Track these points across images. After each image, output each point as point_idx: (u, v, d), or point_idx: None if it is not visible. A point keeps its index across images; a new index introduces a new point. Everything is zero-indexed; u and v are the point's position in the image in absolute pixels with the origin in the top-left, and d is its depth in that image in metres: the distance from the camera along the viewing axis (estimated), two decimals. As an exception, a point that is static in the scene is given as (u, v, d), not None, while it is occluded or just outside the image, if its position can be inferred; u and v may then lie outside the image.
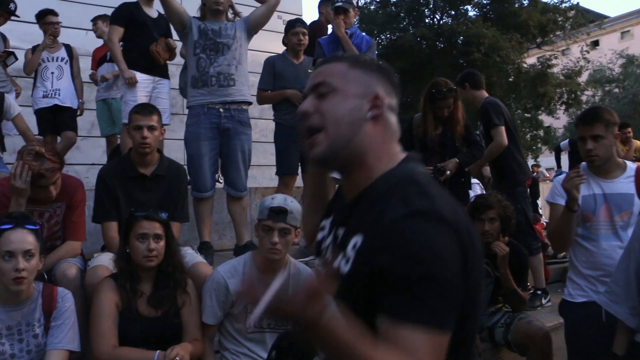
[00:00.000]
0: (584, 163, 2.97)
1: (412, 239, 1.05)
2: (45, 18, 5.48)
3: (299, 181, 4.69)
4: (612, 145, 2.82)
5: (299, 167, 4.58)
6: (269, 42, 4.92)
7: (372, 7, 20.96)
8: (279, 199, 2.72)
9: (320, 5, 5.86)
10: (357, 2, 20.26)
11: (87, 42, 6.10)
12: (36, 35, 5.60)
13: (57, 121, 5.49)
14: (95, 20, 5.92)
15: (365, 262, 1.10)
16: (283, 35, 4.71)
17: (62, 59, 5.59)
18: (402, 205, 1.11)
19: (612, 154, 2.84)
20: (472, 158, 4.31)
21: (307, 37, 4.61)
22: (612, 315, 2.31)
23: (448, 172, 4.10)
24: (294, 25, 4.61)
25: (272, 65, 4.59)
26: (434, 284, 1.03)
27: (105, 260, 3.02)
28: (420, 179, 1.19)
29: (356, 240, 1.15)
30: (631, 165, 2.89)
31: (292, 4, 8.00)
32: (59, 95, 5.47)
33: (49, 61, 5.54)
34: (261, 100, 4.77)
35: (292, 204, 2.72)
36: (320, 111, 1.23)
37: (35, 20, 5.58)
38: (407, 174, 1.20)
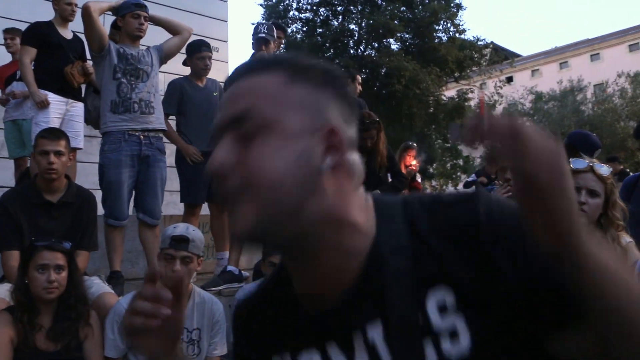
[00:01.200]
0: None
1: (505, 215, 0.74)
2: None
3: (205, 209, 4.63)
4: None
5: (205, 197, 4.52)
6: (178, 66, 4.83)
7: (298, 36, 21.29)
8: (181, 228, 2.74)
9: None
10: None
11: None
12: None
13: None
14: (11, 33, 5.63)
15: (486, 305, 0.71)
16: (185, 57, 4.63)
17: None
18: (455, 214, 0.76)
19: None
20: (394, 189, 4.40)
21: (211, 60, 4.58)
22: None
23: None
24: (199, 48, 4.51)
25: (178, 89, 4.48)
26: None
27: (2, 292, 2.87)
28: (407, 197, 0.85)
29: (439, 298, 0.73)
30: None
31: (218, 30, 8.03)
32: None
33: None
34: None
35: (194, 233, 2.75)
36: (246, 167, 0.73)
37: None
38: (398, 201, 0.83)
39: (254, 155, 0.73)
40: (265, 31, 4.59)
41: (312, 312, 0.81)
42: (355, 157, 0.81)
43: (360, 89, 5.65)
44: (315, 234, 0.76)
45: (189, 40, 4.44)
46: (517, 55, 33.87)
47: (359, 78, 5.70)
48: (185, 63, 4.62)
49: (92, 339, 2.65)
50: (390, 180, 4.45)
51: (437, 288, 0.73)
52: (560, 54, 41.15)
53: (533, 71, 40.95)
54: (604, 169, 2.17)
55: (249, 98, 0.76)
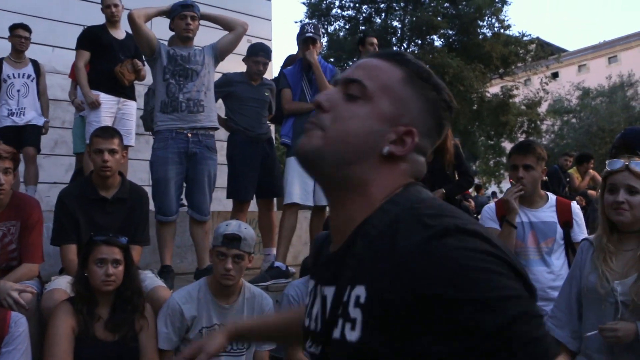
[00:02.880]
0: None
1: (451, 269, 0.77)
2: (14, 31, 5.40)
3: (253, 206, 4.71)
4: (539, 178, 3.06)
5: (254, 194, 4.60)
6: (238, 66, 4.94)
7: (341, 34, 21.28)
8: (233, 226, 2.77)
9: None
10: (327, 29, 20.63)
11: (53, 59, 6.04)
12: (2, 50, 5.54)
13: (20, 138, 5.40)
14: None
15: (383, 318, 0.79)
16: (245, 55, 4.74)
17: (29, 76, 5.46)
18: (420, 229, 0.81)
19: (538, 186, 3.08)
20: (460, 188, 4.53)
21: (266, 66, 4.67)
22: None
23: None
24: (257, 53, 4.63)
25: (228, 83, 4.60)
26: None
27: (62, 284, 2.99)
28: (431, 200, 0.90)
29: (357, 293, 0.84)
30: (552, 197, 3.15)
31: (262, 28, 8.10)
32: (24, 114, 5.35)
33: (14, 77, 5.39)
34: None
35: (246, 231, 2.77)
36: (336, 112, 0.95)
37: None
38: (414, 199, 0.90)
39: (348, 109, 0.94)
40: (312, 30, 4.63)
41: (326, 253, 1.01)
42: (418, 160, 0.96)
43: (373, 48, 5.85)
44: (349, 188, 0.94)
45: (253, 42, 4.53)
46: (564, 50, 33.06)
47: (372, 40, 5.95)
48: (244, 60, 4.70)
49: (147, 331, 2.74)
50: (457, 178, 4.47)
51: (362, 284, 0.83)
52: (609, 48, 39.90)
53: (580, 66, 39.84)
54: None
55: (367, 74, 0.96)
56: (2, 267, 3.03)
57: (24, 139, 5.39)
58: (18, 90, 5.37)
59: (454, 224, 0.79)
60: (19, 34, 5.37)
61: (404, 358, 0.76)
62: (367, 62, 0.99)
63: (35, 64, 5.57)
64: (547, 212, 3.08)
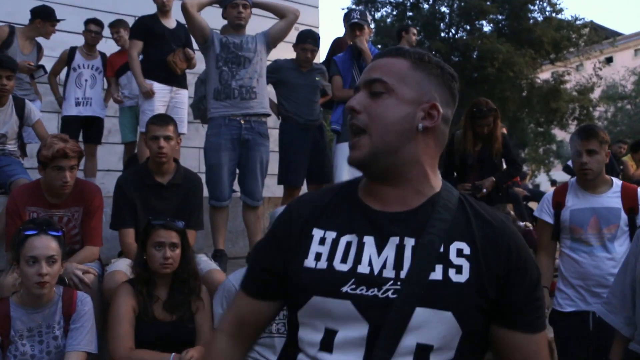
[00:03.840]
0: (573, 178, 3.14)
1: (525, 249, 1.14)
2: (87, 26, 5.58)
3: (303, 191, 4.76)
4: (603, 161, 2.97)
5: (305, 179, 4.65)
6: (288, 53, 4.99)
7: (388, 21, 21.07)
8: None
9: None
10: (374, 16, 20.45)
11: (109, 49, 6.19)
12: (67, 44, 5.71)
13: (85, 131, 5.58)
14: (116, 27, 5.96)
15: (489, 272, 1.08)
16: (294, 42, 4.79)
17: (97, 69, 5.62)
18: (492, 216, 1.15)
19: (602, 170, 2.99)
20: (509, 177, 4.62)
21: (315, 53, 4.70)
22: (600, 325, 2.46)
23: (484, 190, 4.32)
24: (305, 40, 4.67)
25: (277, 70, 4.67)
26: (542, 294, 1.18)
27: (122, 266, 3.11)
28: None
29: (458, 247, 1.10)
30: (617, 182, 3.05)
31: (309, 15, 8.10)
32: (91, 104, 5.50)
33: (84, 68, 5.55)
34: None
35: None
36: (369, 112, 1.13)
37: (65, 29, 5.69)
38: (457, 191, 1.20)
39: (378, 105, 1.13)
40: (358, 17, 4.64)
41: (372, 209, 1.15)
42: (445, 130, 1.18)
43: (415, 38, 6.39)
44: (403, 168, 1.13)
45: (300, 29, 4.57)
46: (619, 34, 31.85)
47: (412, 30, 6.43)
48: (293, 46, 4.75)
49: (203, 312, 2.82)
50: (505, 167, 4.54)
51: (462, 241, 1.10)
52: (667, 32, 38.28)
53: (636, 50, 38.34)
54: None
55: (382, 71, 1.15)
56: (65, 251, 3.16)
57: (88, 135, 5.60)
58: (86, 80, 5.53)
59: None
60: (90, 29, 5.55)
61: (497, 290, 1.09)
62: (377, 63, 1.18)
63: (104, 57, 5.73)
64: (611, 198, 2.98)
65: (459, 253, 1.08)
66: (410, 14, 20.49)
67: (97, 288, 2.98)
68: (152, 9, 4.99)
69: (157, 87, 4.77)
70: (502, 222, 1.14)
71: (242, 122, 4.01)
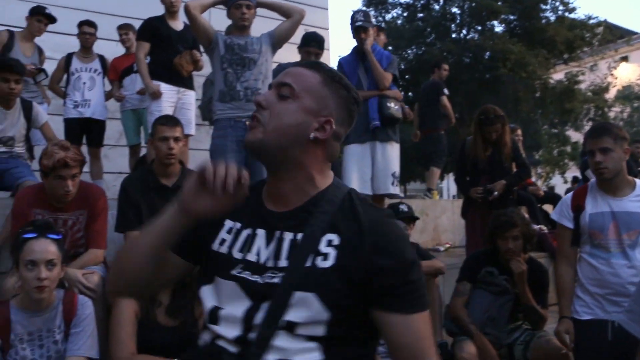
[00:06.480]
0: (593, 180, 2.96)
1: (399, 238, 1.26)
2: (80, 28, 5.59)
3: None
4: (621, 159, 2.79)
5: None
6: (293, 55, 4.95)
7: (399, 22, 21.00)
8: None
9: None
10: (384, 17, 20.36)
11: (117, 53, 6.20)
12: (69, 46, 5.73)
13: (87, 133, 5.59)
14: (126, 29, 5.97)
15: (354, 258, 1.21)
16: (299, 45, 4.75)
17: (95, 70, 5.65)
18: (372, 210, 1.29)
19: (622, 169, 2.81)
20: (519, 179, 4.76)
21: (319, 56, 4.66)
22: (620, 335, 2.31)
23: (496, 192, 4.47)
24: (309, 43, 4.64)
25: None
26: (421, 273, 1.28)
27: (126, 269, 3.07)
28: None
29: (330, 238, 1.23)
30: None
31: (319, 17, 8.07)
32: (89, 106, 5.52)
33: (82, 71, 5.58)
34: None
35: None
36: (272, 110, 1.28)
37: (67, 32, 5.71)
38: (349, 189, 1.34)
39: (281, 106, 1.28)
40: (362, 19, 4.61)
41: (266, 209, 1.33)
42: (335, 146, 1.33)
43: (447, 73, 7.25)
44: (288, 166, 1.28)
45: (307, 31, 4.54)
46: (634, 33, 31.45)
47: (445, 66, 7.33)
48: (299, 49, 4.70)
49: (206, 317, 2.77)
50: (515, 170, 4.69)
51: (334, 233, 1.24)
52: (683, 31, 37.79)
53: (652, 50, 37.92)
54: None
55: (294, 79, 1.30)
56: (70, 254, 3.14)
57: (90, 139, 5.62)
58: (84, 83, 5.56)
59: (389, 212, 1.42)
60: (84, 31, 5.56)
61: (363, 275, 1.20)
62: (293, 69, 1.33)
63: (102, 59, 5.76)
64: (633, 202, 2.79)
65: (329, 243, 1.23)
66: (421, 15, 20.42)
67: (101, 291, 2.95)
68: (159, 11, 4.99)
69: (164, 87, 4.76)
70: (375, 218, 1.27)
71: (247, 123, 3.97)
